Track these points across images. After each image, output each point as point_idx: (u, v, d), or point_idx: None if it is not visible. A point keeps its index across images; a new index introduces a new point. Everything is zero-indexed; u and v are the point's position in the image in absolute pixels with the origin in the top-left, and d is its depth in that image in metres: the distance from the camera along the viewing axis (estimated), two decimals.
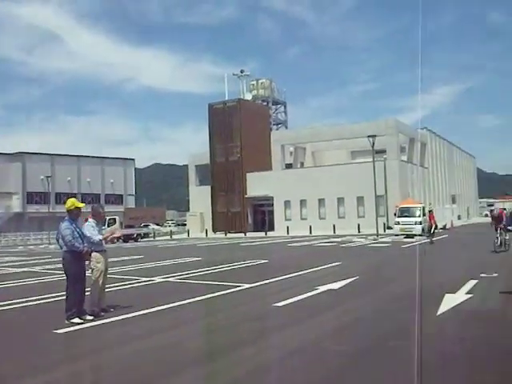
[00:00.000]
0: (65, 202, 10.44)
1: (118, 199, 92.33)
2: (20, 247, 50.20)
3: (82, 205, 10.26)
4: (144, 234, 59.37)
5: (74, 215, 10.03)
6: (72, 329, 8.98)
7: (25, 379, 6.30)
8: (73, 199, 10.35)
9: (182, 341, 8.01)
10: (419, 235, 35.74)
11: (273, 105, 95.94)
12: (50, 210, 67.12)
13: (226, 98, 68.67)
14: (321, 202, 56.62)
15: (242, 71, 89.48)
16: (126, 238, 52.84)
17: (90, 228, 10.24)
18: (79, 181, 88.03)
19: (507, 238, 22.05)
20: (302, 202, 57.86)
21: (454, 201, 76.27)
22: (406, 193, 53.79)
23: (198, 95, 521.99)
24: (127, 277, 16.70)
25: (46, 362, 7.04)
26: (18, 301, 12.31)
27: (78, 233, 9.79)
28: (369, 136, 41.17)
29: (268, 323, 9.16)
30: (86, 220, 10.61)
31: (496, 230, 22.01)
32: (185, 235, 61.52)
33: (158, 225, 72.90)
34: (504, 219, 21.96)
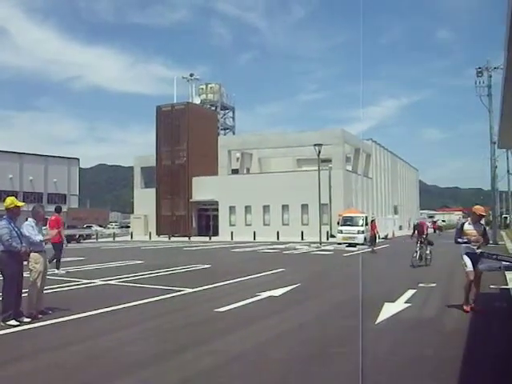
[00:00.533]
0: (4, 200, 10.19)
1: (61, 199, 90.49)
2: None
3: (21, 204, 10.01)
4: (86, 235, 58.41)
5: (13, 214, 9.79)
6: (8, 331, 8.76)
7: None
8: (12, 198, 10.10)
9: (120, 345, 7.92)
10: (361, 244, 36.29)
11: (221, 110, 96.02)
12: None
13: (175, 101, 68.34)
14: (265, 208, 56.86)
15: (191, 75, 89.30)
16: (68, 239, 51.71)
17: (29, 228, 10.01)
18: (21, 179, 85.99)
19: (428, 251, 20.95)
20: (247, 208, 57.99)
21: (396, 211, 77.63)
22: (349, 202, 54.56)
23: (146, 97, 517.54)
24: (67, 278, 16.41)
25: None
26: None
27: (16, 232, 9.55)
28: (315, 145, 41.68)
29: (209, 328, 9.14)
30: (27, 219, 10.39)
31: (417, 243, 20.89)
32: (128, 238, 60.84)
33: (101, 226, 71.88)
34: (426, 231, 21.27)
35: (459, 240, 10.43)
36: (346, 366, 6.60)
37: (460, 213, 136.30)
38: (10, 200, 9.89)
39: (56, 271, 18.01)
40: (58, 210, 19.17)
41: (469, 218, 10.72)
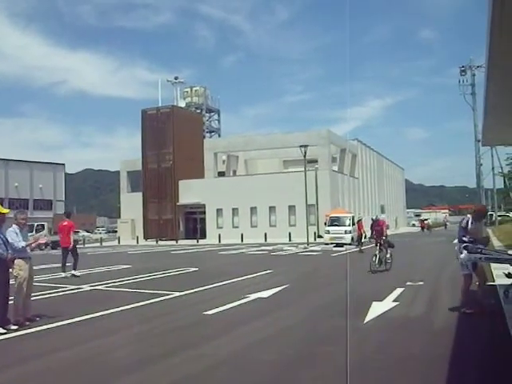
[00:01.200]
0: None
1: (47, 205, 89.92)
2: None
3: (6, 211, 9.96)
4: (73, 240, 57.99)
5: (0, 221, 9.74)
6: None
7: None
8: None
9: (108, 351, 7.89)
10: (349, 244, 36.38)
11: (206, 112, 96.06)
12: None
13: (160, 105, 68.20)
14: (253, 210, 56.87)
15: (176, 78, 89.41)
16: (55, 245, 51.52)
17: (12, 234, 9.93)
18: (6, 185, 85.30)
19: (388, 255, 18.72)
20: (234, 210, 57.96)
21: (382, 211, 77.83)
22: (336, 202, 54.69)
23: (131, 101, 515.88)
24: (55, 285, 16.31)
25: None
26: None
27: (1, 239, 9.49)
28: (301, 146, 41.73)
29: (197, 332, 9.13)
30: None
31: (376, 246, 18.66)
32: (115, 242, 60.59)
33: (87, 231, 71.67)
34: (385, 232, 19.03)
35: (464, 239, 10.08)
36: (334, 366, 6.61)
37: (446, 211, 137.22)
38: None
39: (62, 274, 19.06)
40: (68, 215, 20.35)
41: (469, 216, 10.39)
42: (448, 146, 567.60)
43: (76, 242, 19.70)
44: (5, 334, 9.05)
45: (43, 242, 12.38)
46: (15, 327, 9.45)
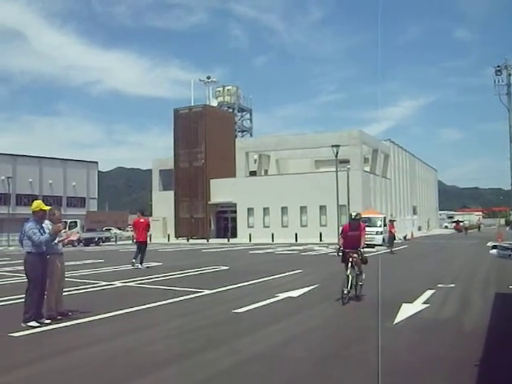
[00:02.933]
0: (30, 204, 10.37)
1: (80, 202, 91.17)
2: None
3: (47, 208, 10.17)
4: (105, 237, 58.74)
5: (39, 217, 9.93)
6: (28, 332, 8.87)
7: None
8: (39, 201, 10.26)
9: (140, 345, 7.98)
10: (380, 245, 36.15)
11: (238, 112, 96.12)
12: (10, 212, 65.95)
13: (192, 104, 68.58)
14: (284, 210, 56.84)
15: (208, 77, 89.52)
16: (88, 242, 52.29)
17: (46, 230, 10.09)
18: (41, 183, 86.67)
19: (363, 276, 12.35)
20: (265, 210, 58.00)
21: (414, 212, 77.33)
22: (367, 203, 54.36)
23: (164, 100, 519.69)
24: (87, 280, 16.54)
25: None
26: None
27: (42, 234, 9.68)
28: (332, 146, 41.60)
29: (228, 329, 9.18)
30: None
31: (346, 262, 11.93)
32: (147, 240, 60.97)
33: (119, 229, 72.31)
34: (361, 243, 12.17)
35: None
36: (364, 366, 6.61)
37: (480, 213, 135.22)
38: (36, 203, 10.05)
39: (140, 266, 21.01)
40: (143, 213, 22.47)
41: None
42: (482, 147, 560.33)
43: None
44: (38, 327, 9.22)
45: (75, 238, 12.51)
46: (48, 321, 9.62)
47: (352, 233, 12.07)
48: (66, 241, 10.92)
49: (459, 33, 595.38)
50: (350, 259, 11.76)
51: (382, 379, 5.67)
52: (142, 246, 21.70)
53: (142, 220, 21.83)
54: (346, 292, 11.39)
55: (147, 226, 21.95)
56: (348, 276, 11.67)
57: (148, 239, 22.00)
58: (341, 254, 12.17)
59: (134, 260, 21.46)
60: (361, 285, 12.23)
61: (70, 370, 6.71)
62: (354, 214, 12.51)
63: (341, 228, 13.09)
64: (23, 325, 9.23)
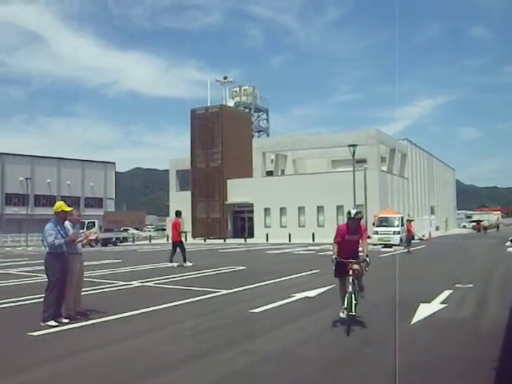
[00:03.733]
0: (51, 205, 10.54)
1: (98, 203, 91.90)
2: None
3: (69, 209, 10.30)
4: (123, 238, 59.06)
5: (60, 218, 10.04)
6: (47, 331, 8.96)
7: None
8: (61, 202, 10.43)
9: (156, 345, 8.02)
10: (397, 245, 36.00)
11: (255, 112, 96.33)
12: (29, 212, 66.53)
13: (209, 104, 68.82)
14: (300, 210, 56.78)
15: (225, 77, 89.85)
16: (105, 242, 52.62)
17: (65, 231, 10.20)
18: (59, 183, 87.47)
19: (363, 292, 9.57)
20: (282, 210, 57.97)
21: (432, 212, 76.88)
22: (385, 203, 54.16)
23: (180, 100, 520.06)
24: (105, 280, 16.65)
25: (18, 365, 7.01)
26: None
27: (62, 235, 9.78)
28: (349, 145, 41.55)
29: (245, 329, 9.21)
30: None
31: (343, 278, 9.26)
32: (164, 240, 61.30)
33: (137, 229, 72.81)
34: (364, 250, 9.31)
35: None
36: (380, 366, 6.60)
37: (499, 212, 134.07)
38: (58, 204, 10.21)
39: (184, 264, 21.95)
40: (178, 215, 23.44)
41: None
42: (501, 146, 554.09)
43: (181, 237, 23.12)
44: (57, 326, 9.30)
45: (93, 238, 12.60)
46: (66, 321, 9.72)
47: (350, 237, 9.23)
48: (84, 241, 11.01)
49: (477, 31, 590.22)
50: (350, 272, 8.87)
51: (398, 379, 5.66)
52: (174, 245, 22.75)
53: (174, 221, 23.14)
54: (346, 316, 8.68)
55: (176, 227, 22.88)
56: (350, 295, 8.67)
57: (180, 238, 23.07)
58: (336, 262, 9.09)
59: (170, 261, 22.51)
60: (355, 304, 8.70)
61: (86, 369, 6.77)
62: (353, 211, 9.29)
63: (334, 230, 9.63)
64: (42, 324, 9.33)
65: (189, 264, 21.95)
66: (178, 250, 22.69)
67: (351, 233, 9.27)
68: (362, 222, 9.67)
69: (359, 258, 9.17)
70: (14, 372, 6.66)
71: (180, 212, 24.21)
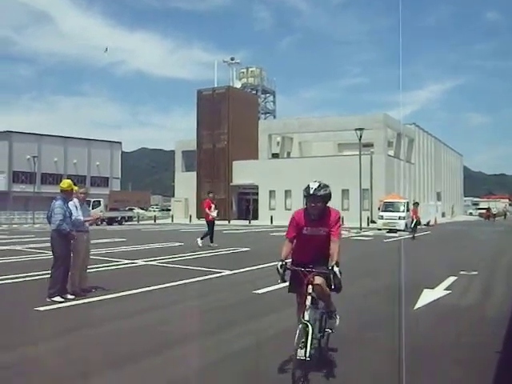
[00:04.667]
0: (59, 183, 10.59)
1: (104, 182, 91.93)
2: (4, 226, 49.90)
3: (76, 188, 10.39)
4: (128, 217, 59.29)
5: (67, 196, 10.11)
6: (53, 307, 9.05)
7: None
8: (69, 180, 10.48)
9: (156, 324, 8.07)
10: (402, 230, 35.98)
11: (262, 94, 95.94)
12: (36, 190, 66.69)
13: (215, 85, 68.54)
14: None
15: (232, 59, 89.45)
16: (110, 221, 52.80)
17: (72, 208, 10.25)
18: (66, 162, 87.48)
19: (337, 319, 6.22)
20: (287, 192, 57.87)
21: (438, 198, 76.68)
22: (391, 187, 54.05)
23: (187, 81, 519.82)
24: (110, 258, 16.72)
25: (24, 339, 7.13)
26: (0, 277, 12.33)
27: (68, 213, 9.86)
28: (356, 129, 41.37)
29: (247, 309, 9.25)
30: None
31: (300, 295, 5.91)
32: (169, 220, 61.48)
33: (142, 209, 72.84)
34: (335, 252, 5.63)
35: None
36: (383, 350, 6.64)
37: (506, 200, 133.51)
38: (67, 183, 10.26)
39: (211, 244, 22.07)
40: (210, 194, 23.67)
41: None
42: (510, 132, 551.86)
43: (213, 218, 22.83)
44: (62, 302, 9.39)
45: (98, 216, 12.57)
46: (72, 297, 9.81)
47: (312, 230, 5.86)
48: (91, 221, 11.10)
49: (487, 15, 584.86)
50: (309, 289, 5.59)
51: (404, 363, 5.68)
52: (208, 224, 22.74)
53: (206, 200, 23.09)
54: (302, 356, 5.19)
55: (206, 206, 22.77)
56: (305, 326, 5.38)
57: (209, 217, 22.75)
58: (283, 273, 5.69)
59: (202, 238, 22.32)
60: (329, 333, 6.16)
61: (89, 344, 6.86)
62: (314, 185, 5.91)
63: (289, 218, 6.15)
64: (48, 299, 9.42)
65: (215, 245, 21.98)
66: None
67: (313, 224, 5.83)
68: (335, 205, 6.54)
69: (325, 267, 5.58)
70: (20, 345, 6.76)
71: (211, 192, 24.54)
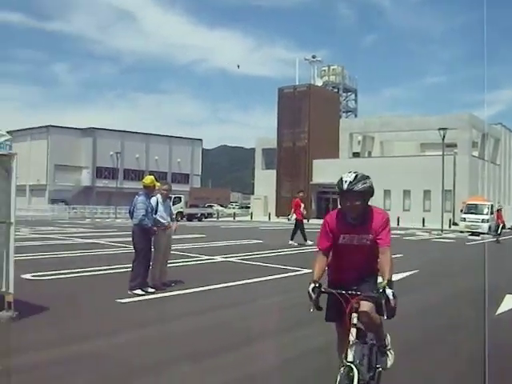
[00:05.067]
0: (141, 179, 10.87)
1: (184, 178, 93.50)
2: (87, 220, 51.55)
3: (158, 184, 10.64)
4: (208, 214, 60.06)
5: (150, 192, 10.36)
6: (134, 299, 9.31)
7: (84, 343, 6.61)
8: (152, 177, 10.72)
9: (236, 319, 8.16)
10: (485, 233, 34.91)
11: (343, 92, 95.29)
12: (118, 186, 68.58)
13: (297, 83, 68.46)
14: (386, 193, 55.78)
15: (313, 56, 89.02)
16: (190, 217, 53.67)
17: (155, 204, 10.49)
18: (147, 158, 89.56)
19: (390, 354, 4.92)
20: None
21: None
22: (474, 189, 52.52)
23: (268, 79, 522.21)
24: (189, 254, 17.01)
25: (107, 328, 7.40)
26: (83, 270, 12.74)
27: (150, 209, 10.11)
28: (440, 129, 40.39)
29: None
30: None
31: (341, 326, 4.48)
32: (248, 218, 61.92)
33: (221, 206, 73.68)
34: (386, 266, 4.30)
35: None
36: (465, 353, 6.48)
37: None
38: (150, 179, 10.50)
39: (305, 242, 21.99)
40: (300, 193, 24.19)
41: None
42: None
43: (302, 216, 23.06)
44: (143, 295, 9.63)
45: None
46: (152, 290, 10.04)
47: (352, 239, 4.48)
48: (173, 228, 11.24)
49: None
50: (354, 318, 4.22)
51: (488, 368, 5.53)
52: (297, 223, 22.89)
53: (295, 200, 23.37)
54: None
55: (296, 205, 22.96)
56: (350, 369, 4.00)
57: (298, 216, 22.99)
58: (316, 298, 4.30)
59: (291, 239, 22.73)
60: (380, 371, 4.73)
61: (168, 337, 7.01)
62: (349, 177, 4.45)
63: (321, 224, 4.75)
64: (129, 292, 9.69)
65: (309, 242, 21.64)
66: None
67: (353, 230, 4.44)
68: (389, 204, 4.82)
69: (374, 288, 4.36)
70: (103, 335, 7.02)
71: (302, 191, 25.06)
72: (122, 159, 76.08)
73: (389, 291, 4.13)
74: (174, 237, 11.58)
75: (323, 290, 4.31)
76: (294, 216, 22.80)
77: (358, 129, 63.88)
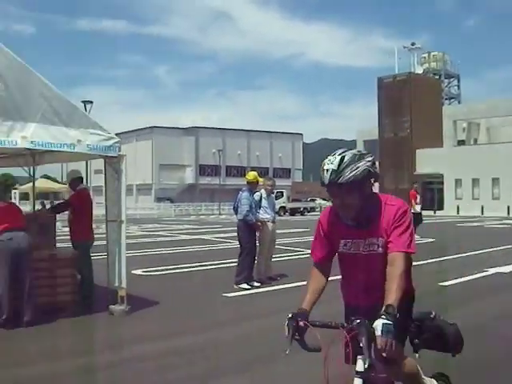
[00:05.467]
0: (243, 175, 11.08)
1: (286, 173, 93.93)
2: (192, 217, 52.66)
3: (261, 180, 10.82)
4: (310, 208, 59.98)
5: (253, 188, 10.54)
6: (239, 293, 9.49)
7: (190, 336, 6.88)
8: (255, 173, 10.94)
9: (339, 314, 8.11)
10: None
11: (445, 78, 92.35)
12: (221, 182, 69.81)
13: (396, 72, 67.07)
14: (494, 181, 53.65)
15: (412, 44, 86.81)
16: (293, 212, 53.85)
17: (258, 199, 10.65)
18: (249, 154, 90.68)
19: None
20: (474, 181, 55.21)
21: None
22: None
23: (366, 69, 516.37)
24: (294, 248, 17.06)
25: (212, 322, 7.58)
26: (190, 265, 13.10)
27: (254, 204, 10.28)
28: None
29: (433, 302, 8.99)
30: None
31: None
32: None
33: (324, 200, 73.34)
34: (392, 289, 2.85)
35: None
36: None
37: None
38: (252, 175, 10.72)
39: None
40: (414, 185, 23.66)
41: None
42: None
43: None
44: (248, 289, 9.80)
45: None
46: (258, 284, 10.19)
47: (357, 245, 3.17)
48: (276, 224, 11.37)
49: None
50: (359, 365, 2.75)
51: None
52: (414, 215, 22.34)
53: (412, 191, 22.94)
54: None
55: (411, 198, 22.44)
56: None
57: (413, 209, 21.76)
58: (293, 332, 3.13)
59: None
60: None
61: (268, 332, 7.02)
62: (330, 164, 2.80)
63: (315, 227, 3.52)
64: (235, 286, 9.89)
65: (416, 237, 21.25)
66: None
67: (356, 232, 3.14)
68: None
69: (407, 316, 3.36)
70: (208, 329, 7.21)
71: (416, 182, 24.80)
72: (224, 156, 77.43)
73: (379, 323, 2.60)
74: (279, 231, 11.68)
75: (303, 323, 3.06)
76: (418, 207, 22.38)
77: (462, 115, 61.85)
